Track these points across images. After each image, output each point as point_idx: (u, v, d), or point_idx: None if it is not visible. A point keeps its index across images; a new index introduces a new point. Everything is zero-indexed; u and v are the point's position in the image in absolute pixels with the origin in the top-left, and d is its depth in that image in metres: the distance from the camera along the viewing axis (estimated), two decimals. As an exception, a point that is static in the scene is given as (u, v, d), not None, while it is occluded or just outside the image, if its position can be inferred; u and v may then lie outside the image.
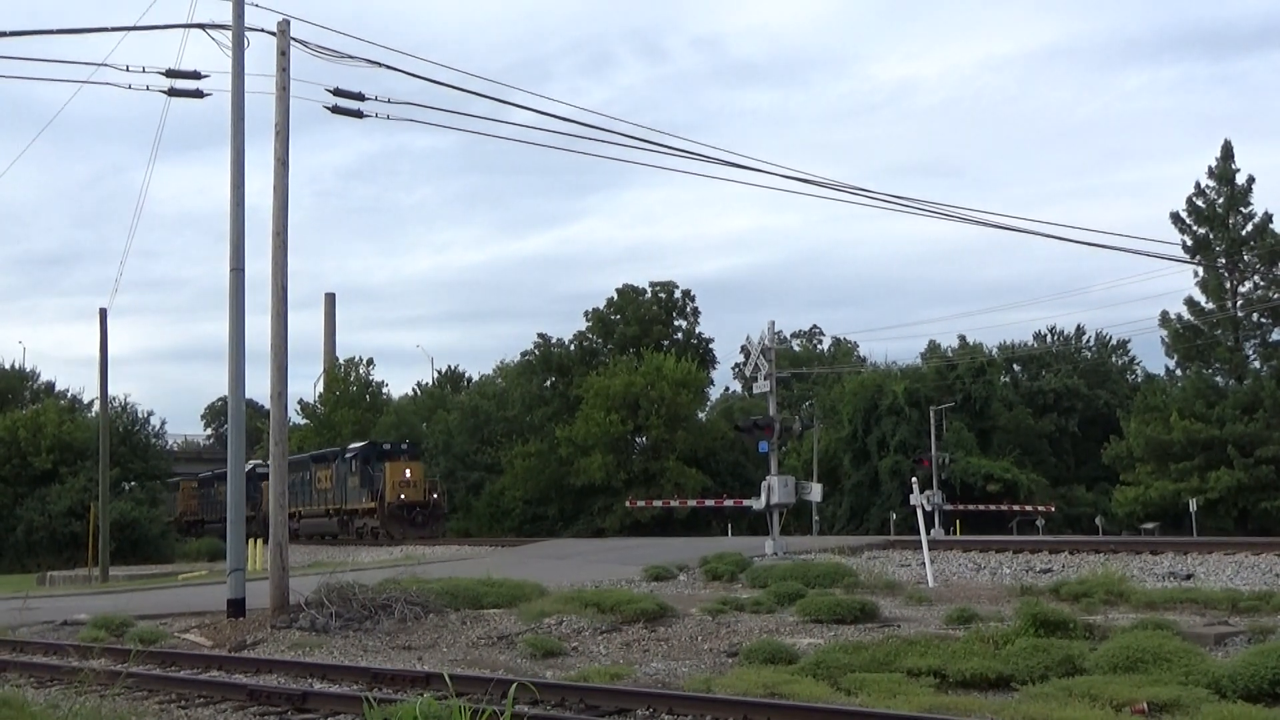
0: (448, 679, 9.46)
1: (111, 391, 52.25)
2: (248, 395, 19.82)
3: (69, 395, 65.81)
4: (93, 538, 40.83)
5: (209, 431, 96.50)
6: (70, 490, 52.28)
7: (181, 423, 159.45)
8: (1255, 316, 50.96)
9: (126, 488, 55.82)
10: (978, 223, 25.28)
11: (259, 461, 59.49)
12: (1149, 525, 47.82)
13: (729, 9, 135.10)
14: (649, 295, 69.39)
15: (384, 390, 77.60)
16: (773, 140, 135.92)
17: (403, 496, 47.88)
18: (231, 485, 19.31)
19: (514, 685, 7.54)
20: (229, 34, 18.98)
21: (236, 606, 18.29)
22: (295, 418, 70.92)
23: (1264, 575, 19.31)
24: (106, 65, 18.67)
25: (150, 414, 64.44)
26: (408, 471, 48.97)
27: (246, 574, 19.23)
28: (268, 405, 19.89)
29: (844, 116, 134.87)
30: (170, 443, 72.84)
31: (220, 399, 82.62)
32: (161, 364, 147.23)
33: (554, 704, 10.60)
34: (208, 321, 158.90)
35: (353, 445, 54.12)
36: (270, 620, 17.51)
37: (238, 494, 19.18)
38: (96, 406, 49.11)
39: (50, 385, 68.75)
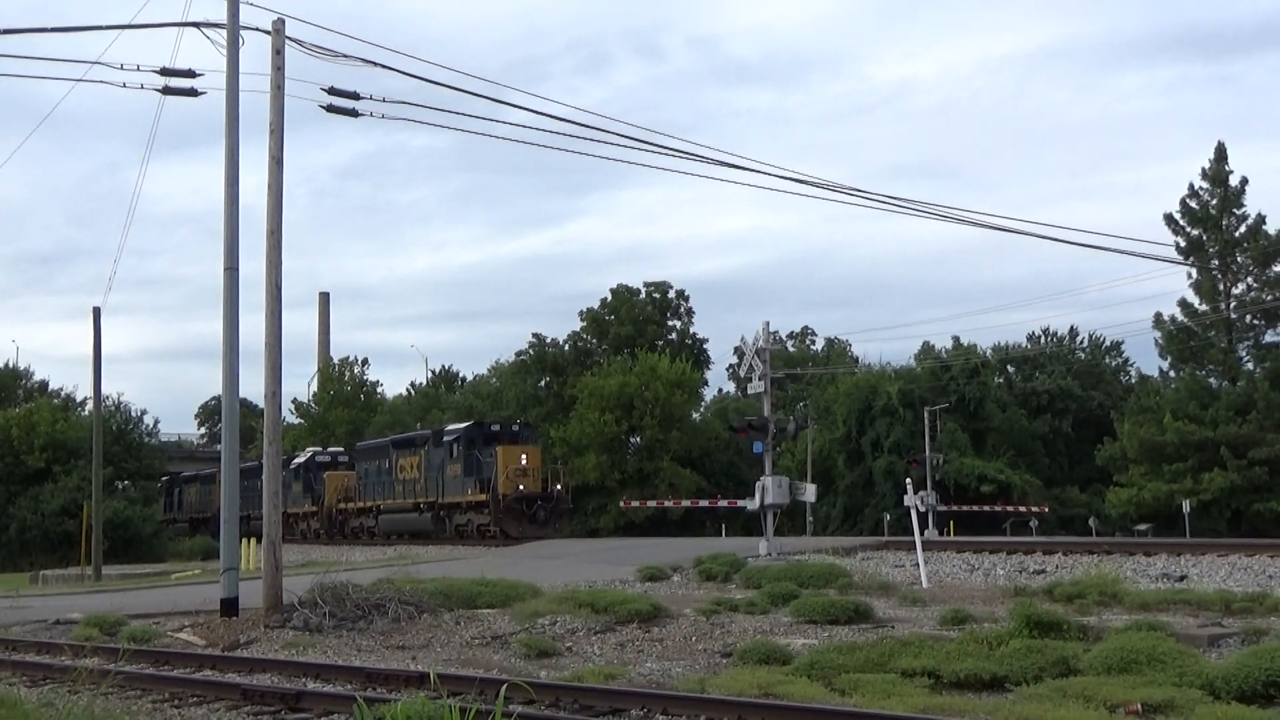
0: (435, 678, 9.43)
1: (105, 390, 52.04)
2: (242, 394, 19.77)
3: (62, 394, 65.77)
4: (86, 536, 40.77)
5: (203, 431, 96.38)
6: (63, 489, 52.20)
7: (175, 422, 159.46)
8: (1248, 318, 51.09)
9: (120, 487, 55.78)
10: (972, 223, 25.33)
11: (318, 449, 58.03)
12: (1142, 526, 47.94)
13: (726, 9, 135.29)
14: (643, 295, 69.46)
15: (379, 390, 77.62)
16: (769, 140, 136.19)
17: (520, 488, 40.18)
18: (226, 484, 19.25)
19: (504, 685, 7.52)
20: (224, 32, 18.92)
21: (230, 606, 18.24)
22: (289, 417, 70.88)
23: (1257, 577, 19.34)
24: (101, 63, 18.64)
25: (144, 413, 64.52)
26: (524, 457, 41.17)
27: (240, 573, 19.19)
28: (262, 404, 19.85)
29: (841, 117, 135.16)
30: (164, 441, 72.75)
31: (214, 398, 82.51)
32: (155, 363, 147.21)
33: (548, 704, 10.58)
34: (202, 320, 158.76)
35: (452, 426, 46.93)
36: (264, 620, 17.47)
37: (232, 493, 19.12)
38: (90, 405, 49.04)
39: (44, 384, 68.74)
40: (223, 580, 18.61)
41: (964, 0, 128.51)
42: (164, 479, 68.62)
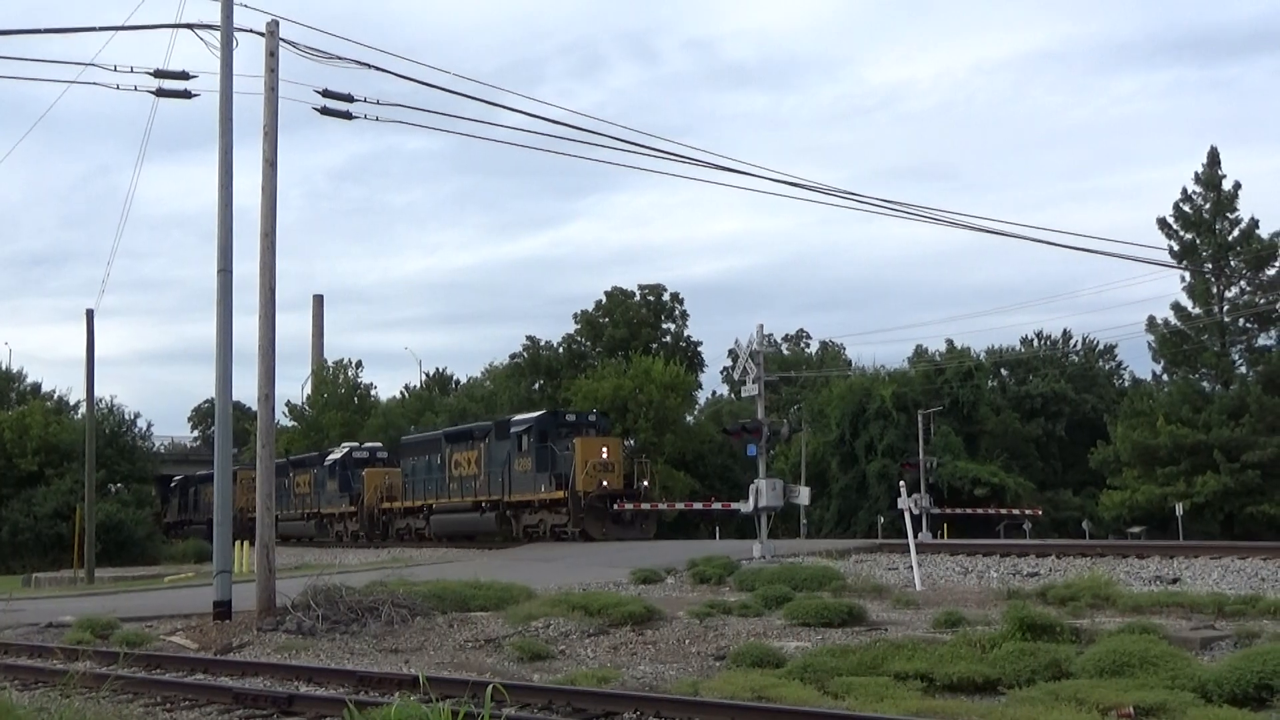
0: (423, 681, 9.42)
1: (99, 393, 52.19)
2: (235, 397, 19.74)
3: (55, 396, 65.56)
4: (78, 539, 40.67)
5: (196, 433, 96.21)
6: (56, 492, 52.13)
7: (168, 424, 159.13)
8: (1241, 322, 51.18)
9: (113, 489, 55.66)
10: (966, 227, 25.36)
11: (354, 444, 54.77)
12: (1135, 529, 47.93)
13: (721, 12, 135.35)
14: (638, 298, 69.44)
15: (372, 392, 77.50)
16: (764, 143, 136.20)
17: (604, 484, 35.76)
18: (219, 486, 19.22)
19: (489, 687, 7.50)
20: (218, 34, 18.92)
21: (223, 609, 18.22)
22: (283, 419, 70.78)
23: (1250, 579, 19.36)
24: (94, 65, 18.62)
25: (137, 415, 64.36)
26: (605, 450, 36.80)
27: (234, 576, 19.16)
28: (255, 407, 19.82)
29: (836, 120, 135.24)
30: (157, 444, 72.61)
31: (207, 400, 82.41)
32: (149, 365, 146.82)
33: (541, 707, 10.58)
34: (195, 323, 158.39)
35: (521, 416, 42.31)
36: (256, 623, 17.45)
37: (225, 495, 19.09)
38: (83, 408, 48.88)
39: (37, 386, 68.52)
40: (215, 583, 18.58)
41: (960, 4, 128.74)
42: (178, 479, 67.91)
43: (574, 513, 35.73)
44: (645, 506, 37.19)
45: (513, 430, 39.51)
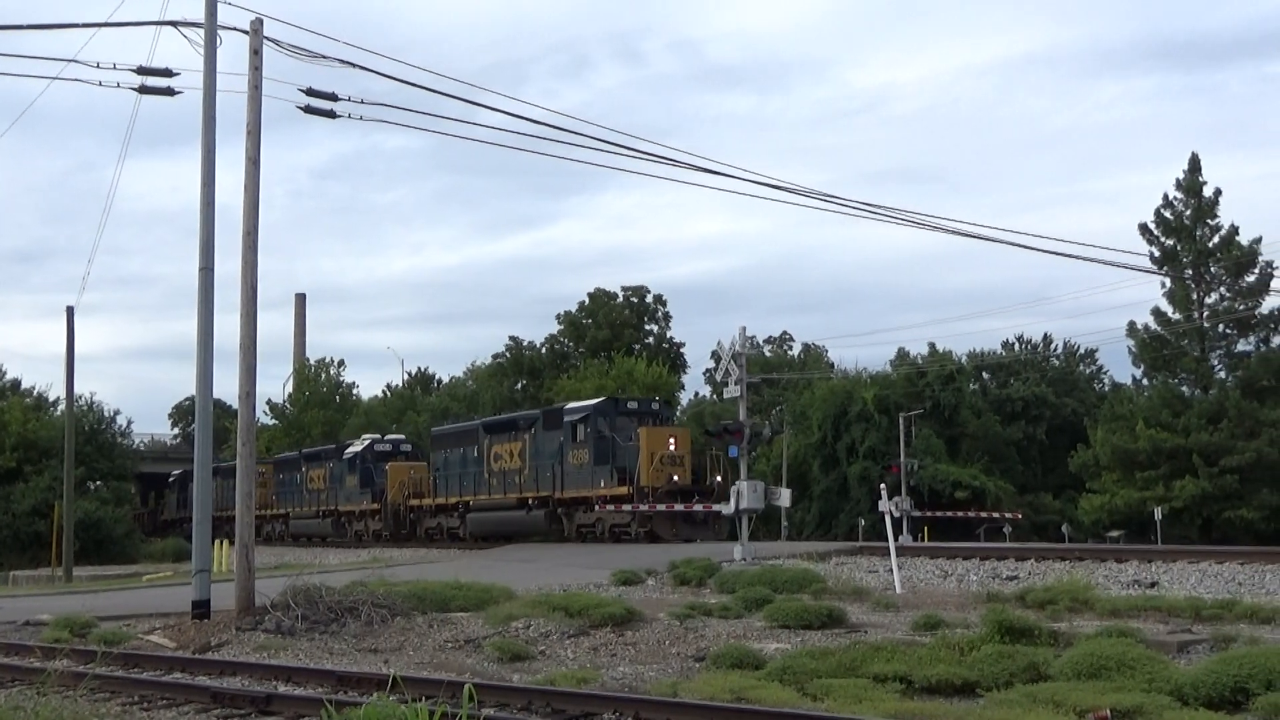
0: (398, 680, 9.40)
1: (79, 390, 51.89)
2: (216, 395, 19.68)
3: (35, 393, 65.24)
4: (57, 537, 40.49)
5: (176, 431, 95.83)
6: (34, 489, 51.88)
7: (149, 421, 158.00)
8: (1221, 327, 51.49)
9: (92, 487, 55.38)
10: (948, 230, 25.46)
11: (375, 437, 51.73)
12: (1114, 533, 48.20)
13: (707, 13, 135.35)
14: (621, 299, 69.51)
15: (354, 391, 77.36)
16: (750, 145, 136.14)
17: (674, 478, 32.35)
18: (198, 485, 19.13)
19: (467, 687, 7.50)
20: (202, 32, 18.85)
21: (201, 608, 18.14)
22: (264, 418, 70.56)
23: (1227, 584, 19.45)
24: (77, 61, 18.54)
25: (117, 413, 64.08)
26: (673, 441, 33.53)
27: (213, 575, 19.09)
28: (236, 405, 19.76)
29: (822, 122, 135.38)
30: (137, 441, 72.27)
31: (188, 398, 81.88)
32: (130, 362, 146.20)
33: (520, 707, 10.57)
34: (177, 320, 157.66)
35: (574, 404, 38.80)
36: (235, 622, 17.39)
37: (205, 493, 19.01)
38: (63, 405, 48.65)
39: (16, 383, 68.12)
40: (194, 582, 18.50)
41: (946, 8, 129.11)
42: (176, 474, 65.85)
43: (639, 511, 32.33)
44: (717, 507, 32.40)
45: (566, 419, 35.98)
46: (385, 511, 45.51)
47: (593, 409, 35.69)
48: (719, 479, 32.80)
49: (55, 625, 17.94)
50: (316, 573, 22.88)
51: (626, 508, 32.72)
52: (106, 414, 62.37)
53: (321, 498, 51.43)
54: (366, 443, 49.99)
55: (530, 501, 36.92)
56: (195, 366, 18.87)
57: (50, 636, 17.07)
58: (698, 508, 31.89)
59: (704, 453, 34.50)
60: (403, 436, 53.05)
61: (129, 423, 65.62)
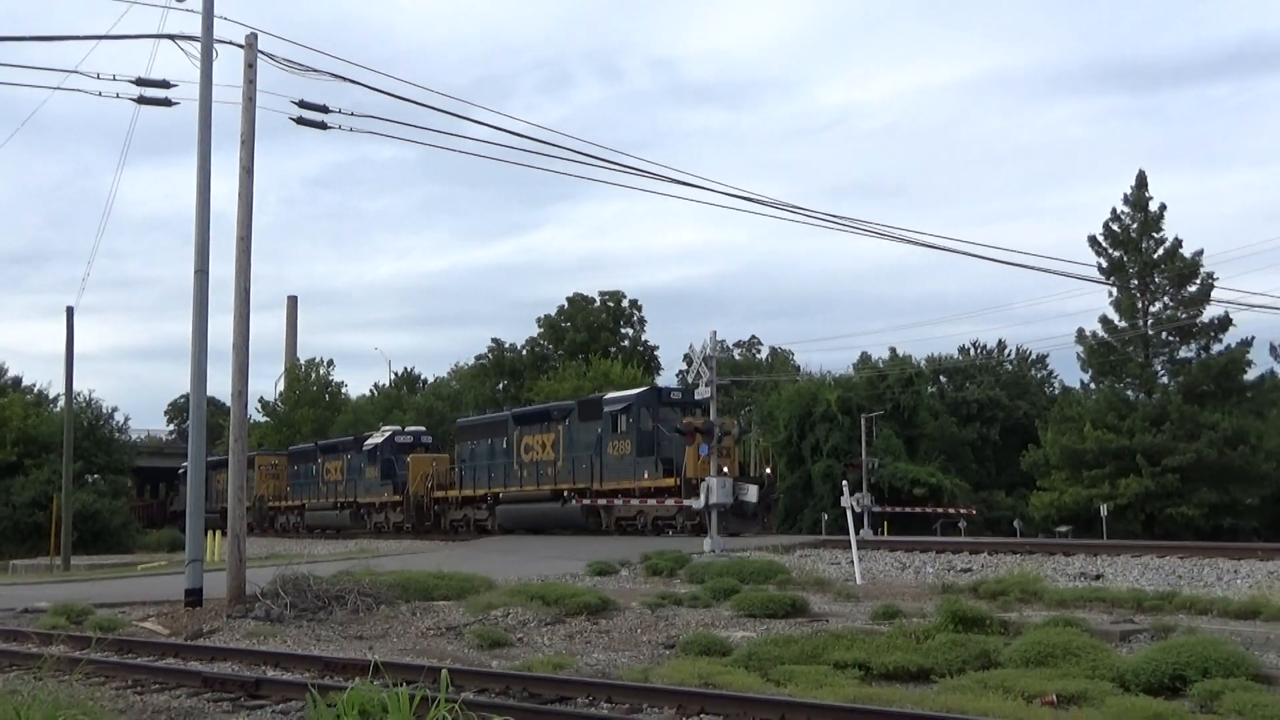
0: (380, 665, 9.37)
1: (77, 387, 51.42)
2: (209, 393, 19.55)
3: (35, 390, 64.69)
4: (55, 528, 40.12)
5: (171, 427, 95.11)
6: (34, 482, 51.40)
7: (145, 418, 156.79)
8: (1164, 335, 51.87)
9: (90, 480, 54.90)
10: (909, 241, 25.56)
11: (396, 429, 49.07)
12: (1063, 528, 48.41)
13: (682, 34, 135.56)
14: (598, 304, 69.44)
15: (343, 390, 76.94)
16: (722, 159, 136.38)
17: (724, 470, 29.61)
18: (191, 479, 19.01)
19: (444, 671, 7.47)
20: (198, 45, 18.75)
21: (194, 596, 18.03)
22: (255, 415, 70.12)
23: (1167, 576, 19.60)
24: (78, 72, 18.43)
25: (114, 409, 63.62)
26: None
27: (205, 565, 18.97)
28: (229, 402, 19.65)
29: (791, 137, 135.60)
30: (133, 437, 71.72)
31: (183, 396, 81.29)
32: (127, 361, 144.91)
33: (498, 692, 10.55)
34: (172, 321, 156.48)
35: (614, 394, 36.18)
36: (226, 610, 17.28)
37: (197, 487, 18.89)
38: (62, 401, 48.20)
39: (17, 380, 67.50)
40: (187, 572, 18.39)
41: (908, 30, 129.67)
42: (185, 465, 65.11)
43: (684, 505, 30.26)
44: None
45: (606, 410, 33.86)
46: (407, 503, 43.36)
47: (635, 399, 33.75)
48: (768, 470, 31.52)
49: (53, 612, 17.80)
50: (305, 563, 22.80)
51: (670, 501, 30.93)
52: (104, 410, 61.92)
53: (339, 489, 49.27)
54: (387, 434, 47.68)
55: (565, 493, 34.88)
56: (190, 365, 18.77)
57: (48, 623, 16.94)
58: (751, 499, 29.43)
59: (754, 445, 32.88)
60: (423, 429, 50.73)
61: (126, 419, 65.15)
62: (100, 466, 57.26)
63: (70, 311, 40.97)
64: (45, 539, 43.77)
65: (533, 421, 37.88)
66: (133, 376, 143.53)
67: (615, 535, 32.34)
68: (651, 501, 31.67)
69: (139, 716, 10.15)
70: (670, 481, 31.14)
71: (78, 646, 13.54)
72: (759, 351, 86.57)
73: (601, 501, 33.50)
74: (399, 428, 49.80)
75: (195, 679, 11.66)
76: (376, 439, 47.49)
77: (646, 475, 31.83)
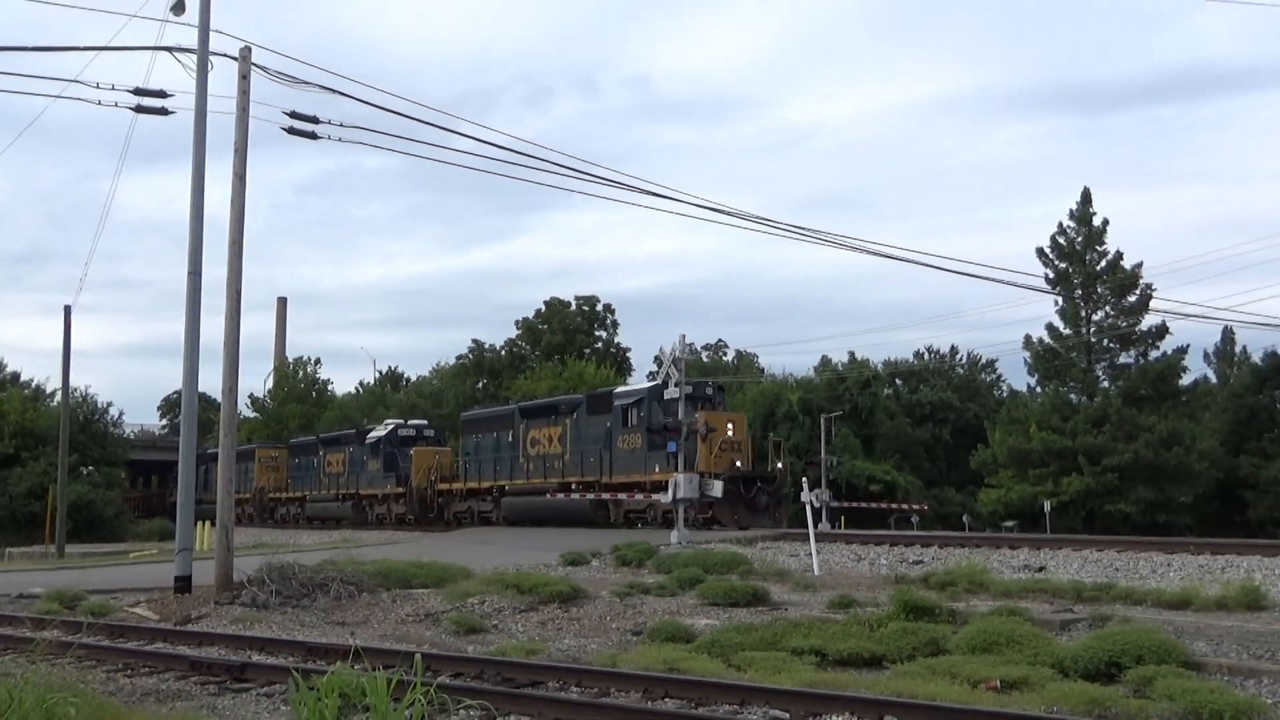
0: (361, 650, 9.32)
1: (74, 383, 50.83)
2: (201, 389, 19.37)
3: (33, 385, 63.99)
4: (50, 517, 39.71)
5: (164, 422, 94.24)
6: (31, 473, 50.90)
7: (138, 413, 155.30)
8: (1105, 342, 52.28)
9: (84, 472, 54.41)
10: (869, 252, 25.69)
11: (399, 422, 47.29)
12: (1009, 523, 48.66)
13: (657, 52, 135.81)
14: (574, 308, 69.29)
15: (329, 388, 76.44)
16: (695, 172, 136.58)
17: (737, 464, 29.04)
18: (182, 472, 18.84)
19: (417, 655, 7.44)
20: (194, 58, 18.59)
21: (183, 583, 17.87)
22: (245, 411, 69.52)
23: (1105, 569, 19.73)
24: (78, 81, 18.21)
25: (109, 404, 63.13)
26: (731, 427, 30.36)
27: (195, 554, 18.81)
28: (219, 398, 19.50)
29: (759, 152, 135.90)
30: (127, 431, 71.14)
31: (175, 392, 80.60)
32: (122, 358, 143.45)
33: (473, 676, 10.52)
34: (166, 321, 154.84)
35: (624, 388, 34.77)
36: (214, 597, 17.14)
37: (188, 479, 18.72)
38: (59, 396, 47.71)
39: (15, 375, 66.77)
40: (177, 560, 18.22)
41: (869, 54, 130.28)
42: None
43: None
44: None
45: (616, 403, 32.14)
46: (410, 495, 41.99)
47: (647, 393, 31.72)
48: (779, 465, 29.98)
49: (47, 598, 17.60)
50: (290, 552, 22.66)
51: None
52: (100, 405, 61.37)
53: (340, 481, 47.80)
54: (390, 427, 46.27)
55: (573, 486, 33.34)
56: (182, 363, 18.60)
57: (42, 608, 16.75)
58: (715, 494, 28.07)
59: (766, 440, 31.28)
60: (425, 421, 49.21)
61: (120, 414, 64.67)
62: (94, 459, 56.73)
63: (68, 310, 40.65)
64: (41, 528, 43.30)
65: (540, 415, 36.41)
66: (128, 373, 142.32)
67: (622, 528, 30.80)
68: (661, 496, 29.00)
69: (129, 698, 10.05)
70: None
71: (70, 631, 13.40)
72: (726, 354, 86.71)
73: (610, 495, 32.19)
74: (401, 421, 48.45)
75: (183, 662, 11.57)
76: (379, 432, 46.19)
77: (658, 468, 30.01)
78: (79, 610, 16.41)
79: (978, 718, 8.21)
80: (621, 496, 31.61)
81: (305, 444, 53.40)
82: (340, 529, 44.38)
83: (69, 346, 40.83)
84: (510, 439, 37.20)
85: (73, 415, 47.34)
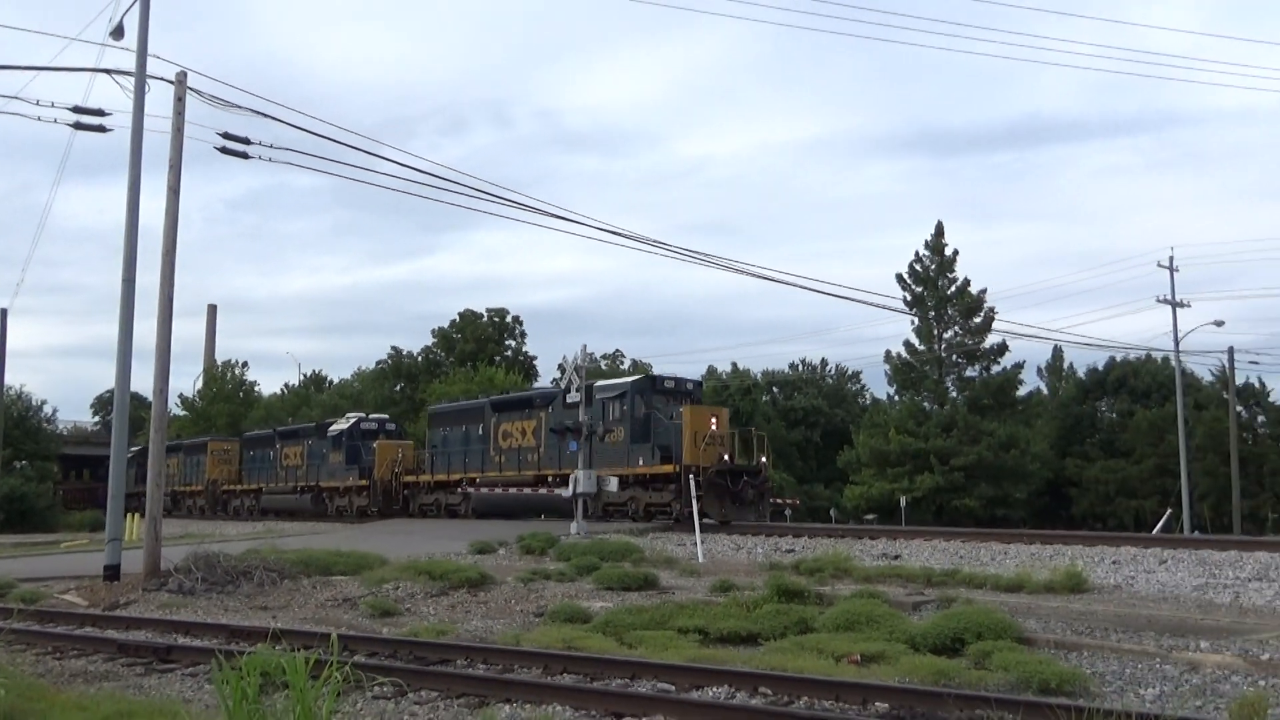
0: (281, 633, 9.08)
1: (9, 381, 48.66)
2: (133, 389, 18.74)
3: (-32, 383, 60.77)
4: (-16, 509, 37.77)
5: (97, 419, 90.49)
6: (-36, 467, 48.34)
7: (72, 410, 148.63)
8: (954, 357, 53.80)
9: (18, 466, 51.92)
10: (751, 274, 25.99)
11: (361, 415, 44.11)
12: (870, 516, 49.55)
13: (565, 89, 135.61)
14: (485, 319, 68.63)
15: (256, 389, 74.28)
16: (596, 197, 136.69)
17: (724, 457, 26.64)
18: (113, 467, 18.13)
19: (334, 635, 7.27)
20: (133, 80, 17.96)
21: (112, 571, 17.20)
22: (175, 409, 67.15)
23: (952, 557, 20.07)
24: (19, 98, 17.44)
25: (44, 402, 60.36)
26: (714, 420, 27.48)
27: (124, 543, 18.10)
28: (151, 398, 18.82)
29: (654, 182, 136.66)
30: (61, 427, 68.11)
31: (108, 391, 77.39)
32: (57, 358, 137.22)
33: (387, 655, 10.34)
34: (100, 324, 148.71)
35: (610, 381, 31.01)
36: (142, 584, 16.54)
37: (119, 473, 18.03)
38: (-6, 394, 45.43)
39: (-49, 373, 63.33)
40: (107, 549, 17.55)
41: (755, 97, 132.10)
42: (132, 452, 57.69)
43: (682, 490, 25.77)
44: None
45: (597, 397, 28.97)
46: (374, 488, 39.03)
47: (629, 386, 29.18)
48: (764, 459, 27.85)
49: (-22, 585, 16.76)
50: (216, 542, 21.93)
51: (671, 487, 26.85)
52: (34, 402, 58.65)
53: (299, 474, 44.15)
54: (352, 421, 42.99)
55: (549, 479, 30.26)
56: (115, 364, 17.92)
57: (-27, 595, 15.93)
58: (612, 489, 27.11)
59: (749, 435, 28.73)
60: (386, 416, 45.74)
61: (54, 411, 61.93)
62: (28, 453, 54.22)
63: (4, 313, 38.83)
64: (-26, 519, 41.17)
65: (512, 409, 33.15)
66: (62, 372, 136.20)
67: (605, 522, 28.08)
68: (645, 490, 27.69)
69: (57, 679, 9.62)
70: (669, 468, 26.87)
71: (1, 617, 12.77)
72: (622, 363, 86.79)
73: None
74: (363, 415, 45.46)
75: (111, 645, 11.13)
76: (341, 425, 42.99)
77: (641, 462, 27.70)
78: (10, 597, 15.64)
79: (840, 688, 8.35)
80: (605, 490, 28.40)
81: (260, 437, 49.53)
82: (300, 520, 41.37)
83: (3, 347, 39.00)
84: (480, 432, 34.14)
85: (7, 412, 45.18)
